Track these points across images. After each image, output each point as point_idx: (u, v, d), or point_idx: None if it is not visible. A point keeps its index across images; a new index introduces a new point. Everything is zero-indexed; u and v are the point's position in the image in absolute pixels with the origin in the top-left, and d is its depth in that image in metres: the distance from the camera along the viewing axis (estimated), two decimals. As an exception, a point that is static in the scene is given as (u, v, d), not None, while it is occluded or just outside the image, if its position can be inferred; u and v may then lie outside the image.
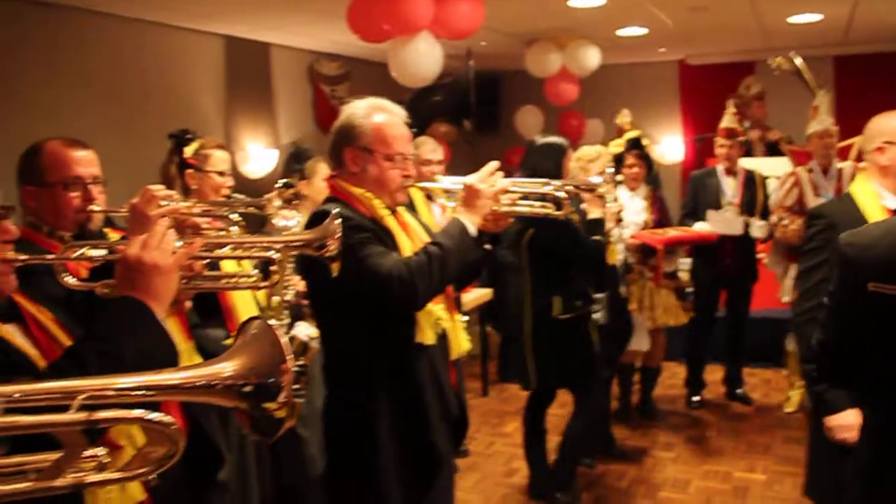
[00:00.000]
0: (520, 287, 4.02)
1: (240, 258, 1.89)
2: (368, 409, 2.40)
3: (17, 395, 0.84)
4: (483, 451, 5.20)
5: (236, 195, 3.25)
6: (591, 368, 4.05)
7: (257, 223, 3.90)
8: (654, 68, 9.96)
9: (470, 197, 2.44)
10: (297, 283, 3.30)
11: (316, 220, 2.38)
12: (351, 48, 7.84)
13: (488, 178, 2.47)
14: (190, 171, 3.22)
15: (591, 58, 8.01)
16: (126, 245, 1.60)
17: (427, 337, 2.41)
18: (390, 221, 2.43)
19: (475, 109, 8.31)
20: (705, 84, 9.61)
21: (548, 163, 3.80)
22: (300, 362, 3.37)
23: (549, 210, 2.54)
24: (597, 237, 3.85)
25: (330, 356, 2.54)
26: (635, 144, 5.35)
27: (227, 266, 2.82)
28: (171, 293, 1.58)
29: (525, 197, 2.55)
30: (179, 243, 1.64)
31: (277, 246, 1.82)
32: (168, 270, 1.56)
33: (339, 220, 1.96)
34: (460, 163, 7.22)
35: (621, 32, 7.86)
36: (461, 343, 2.58)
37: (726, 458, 4.93)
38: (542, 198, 2.58)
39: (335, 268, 1.94)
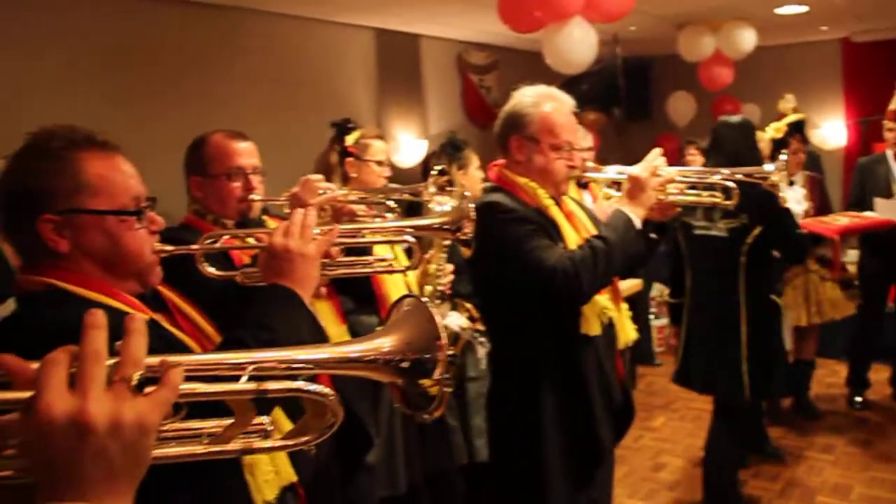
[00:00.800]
0: (727, 290, 3.64)
1: (375, 243, 1.91)
2: (533, 398, 2.42)
3: (194, 366, 0.89)
4: (630, 445, 5.11)
5: (392, 185, 3.32)
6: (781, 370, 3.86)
7: (413, 211, 4.01)
8: (815, 48, 9.39)
9: (634, 188, 2.40)
10: (449, 272, 3.35)
11: (479, 213, 2.42)
12: (499, 37, 7.86)
13: (653, 167, 2.42)
14: (350, 159, 3.29)
15: (747, 39, 7.65)
16: (269, 234, 1.65)
17: (592, 328, 2.40)
18: (555, 212, 2.43)
19: (624, 96, 8.17)
20: (871, 63, 8.96)
21: (747, 145, 3.56)
22: (450, 352, 3.41)
23: (718, 199, 2.47)
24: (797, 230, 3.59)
25: (496, 346, 2.58)
26: (797, 128, 5.07)
27: (379, 252, 2.90)
28: (314, 279, 1.62)
29: (692, 186, 2.48)
30: (318, 230, 1.68)
31: (411, 230, 1.85)
32: (311, 258, 1.60)
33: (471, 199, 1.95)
34: (610, 151, 7.13)
35: (780, 11, 7.46)
36: (627, 333, 2.56)
37: (895, 465, 4.61)
38: (710, 187, 2.51)
39: (468, 251, 1.95)
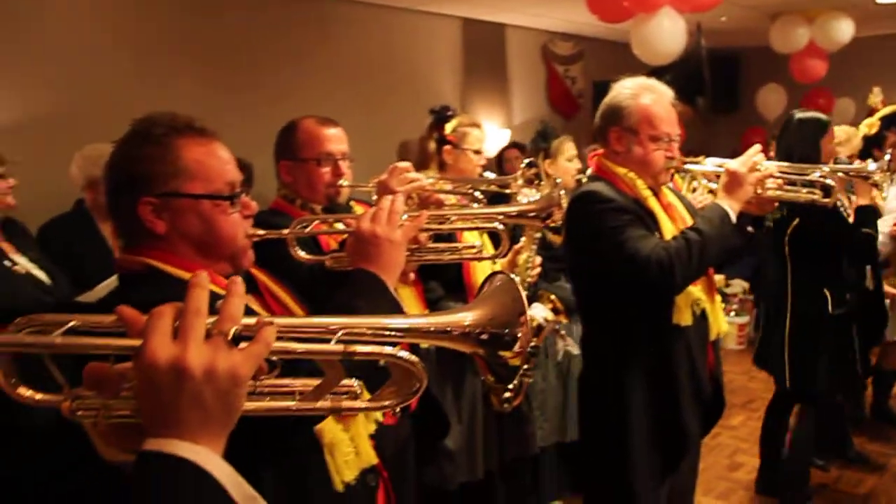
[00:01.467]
0: (780, 278, 3.76)
1: (464, 229, 1.89)
2: (622, 386, 2.45)
3: (288, 327, 0.95)
4: (707, 442, 5.01)
5: (487, 173, 3.36)
6: (851, 373, 3.80)
7: (497, 203, 4.04)
8: (915, 39, 9.02)
9: (732, 182, 2.39)
10: (538, 265, 3.38)
11: (578, 202, 2.46)
12: (585, 27, 7.82)
13: (751, 162, 2.41)
14: (447, 147, 3.30)
15: (844, 30, 7.40)
16: (358, 219, 1.64)
17: (684, 318, 2.42)
18: (653, 203, 2.44)
19: (710, 88, 8.02)
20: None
21: (804, 143, 3.52)
22: (533, 343, 3.45)
23: (817, 196, 2.44)
24: (867, 229, 3.51)
25: (587, 333, 2.62)
26: (892, 121, 4.90)
27: (468, 240, 2.95)
28: (399, 265, 1.61)
29: (791, 182, 2.46)
30: (406, 216, 1.67)
31: (500, 217, 1.83)
32: (398, 243, 1.60)
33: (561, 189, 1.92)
34: (694, 143, 7.03)
35: (881, 0, 7.19)
36: (720, 324, 2.55)
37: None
38: (810, 183, 2.48)
39: (558, 239, 1.94)
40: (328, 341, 0.94)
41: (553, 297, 3.75)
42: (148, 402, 0.84)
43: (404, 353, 0.95)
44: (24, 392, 0.93)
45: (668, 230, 2.42)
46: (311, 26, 6.11)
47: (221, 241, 1.50)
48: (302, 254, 1.78)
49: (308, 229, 1.79)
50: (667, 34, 5.51)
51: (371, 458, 1.74)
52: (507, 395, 3.17)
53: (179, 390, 0.82)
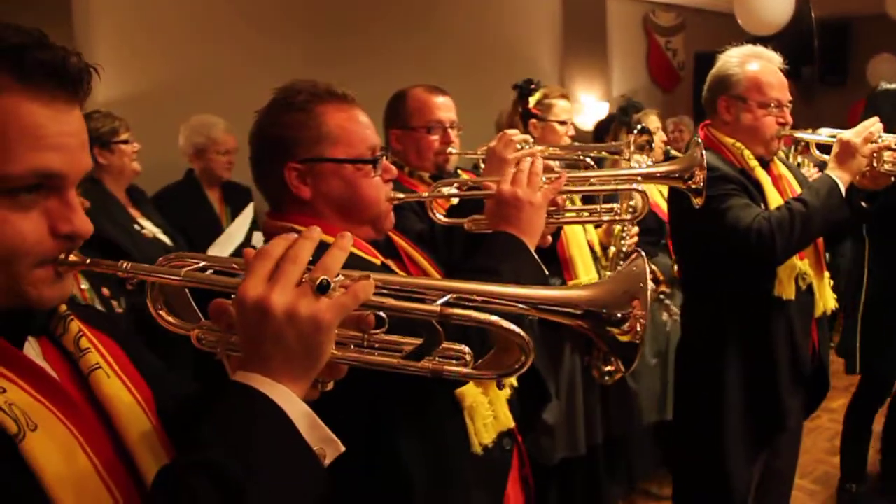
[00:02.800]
0: (859, 255, 3.64)
1: (602, 192, 1.81)
2: (719, 359, 2.43)
3: (397, 285, 0.98)
4: (806, 424, 4.92)
5: (577, 143, 3.32)
6: None
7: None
8: None
9: (843, 153, 2.32)
10: (634, 234, 3.34)
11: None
12: (687, -3, 7.63)
13: (868, 133, 2.32)
14: (533, 120, 3.31)
15: (969, -4, 6.95)
16: (498, 182, 1.66)
17: (786, 291, 2.37)
18: (760, 173, 2.40)
19: (817, 57, 7.65)
20: None
21: (884, 115, 3.34)
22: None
23: (937, 171, 2.34)
24: None
25: (688, 302, 2.60)
26: None
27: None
28: (540, 227, 1.63)
29: (910, 156, 2.36)
30: (545, 178, 1.68)
31: (639, 178, 1.81)
32: (539, 206, 1.62)
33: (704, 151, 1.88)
34: (798, 115, 6.75)
35: None
36: (827, 300, 2.49)
37: None
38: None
39: (699, 201, 1.89)
40: (433, 302, 0.96)
41: (654, 267, 3.69)
42: (241, 337, 0.92)
43: (506, 323, 0.95)
44: (165, 316, 1.04)
45: (775, 201, 2.37)
46: (413, -1, 6.16)
47: (364, 204, 1.54)
48: (441, 217, 1.80)
49: (448, 191, 1.81)
50: (773, 2, 5.32)
51: (508, 421, 1.75)
52: (609, 368, 3.16)
53: (263, 328, 0.87)
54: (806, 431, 4.72)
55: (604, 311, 1.06)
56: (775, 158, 2.52)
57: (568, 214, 1.87)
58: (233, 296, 0.93)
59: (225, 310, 0.97)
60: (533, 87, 3.38)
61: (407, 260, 1.75)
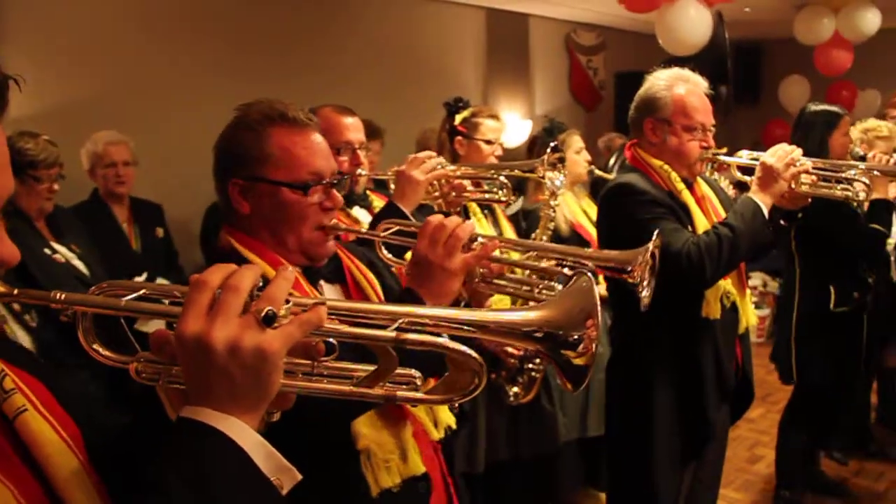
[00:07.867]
0: (789, 272, 3.77)
1: (532, 268, 1.74)
2: (647, 376, 2.48)
3: (349, 311, 0.96)
4: (726, 435, 5.08)
5: (491, 163, 3.26)
6: (855, 369, 3.77)
7: (520, 188, 4.00)
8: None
9: (766, 177, 2.39)
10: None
11: (613, 193, 2.46)
12: (608, 18, 7.78)
13: (788, 158, 2.39)
14: (459, 137, 3.28)
15: (870, 21, 7.26)
16: (418, 235, 1.58)
17: (713, 311, 2.43)
18: (686, 196, 2.45)
19: (732, 78, 7.94)
20: None
21: (810, 138, 3.43)
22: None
23: (850, 193, 2.44)
24: (876, 225, 3.43)
25: (616, 323, 2.63)
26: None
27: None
28: (451, 293, 1.54)
29: (826, 179, 2.45)
30: (481, 240, 1.59)
31: (583, 259, 1.70)
32: (452, 272, 1.54)
33: (658, 245, 1.78)
34: (716, 135, 6.98)
35: (909, -9, 7.10)
36: (749, 316, 2.57)
37: None
38: (846, 180, 2.47)
39: (640, 292, 1.76)
40: (387, 328, 0.94)
41: None
42: (184, 371, 0.88)
43: (460, 346, 0.94)
44: (101, 350, 0.99)
45: (702, 224, 2.43)
46: (337, 13, 6.11)
47: (289, 227, 1.54)
48: (387, 254, 1.73)
49: (386, 233, 1.72)
50: (692, 24, 5.48)
51: (418, 467, 1.62)
52: (515, 389, 3.13)
53: (206, 364, 0.83)
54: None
55: (560, 332, 1.04)
56: (698, 178, 2.57)
57: (503, 283, 1.74)
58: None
59: (167, 340, 0.94)
60: (461, 105, 3.36)
61: (351, 283, 1.71)
